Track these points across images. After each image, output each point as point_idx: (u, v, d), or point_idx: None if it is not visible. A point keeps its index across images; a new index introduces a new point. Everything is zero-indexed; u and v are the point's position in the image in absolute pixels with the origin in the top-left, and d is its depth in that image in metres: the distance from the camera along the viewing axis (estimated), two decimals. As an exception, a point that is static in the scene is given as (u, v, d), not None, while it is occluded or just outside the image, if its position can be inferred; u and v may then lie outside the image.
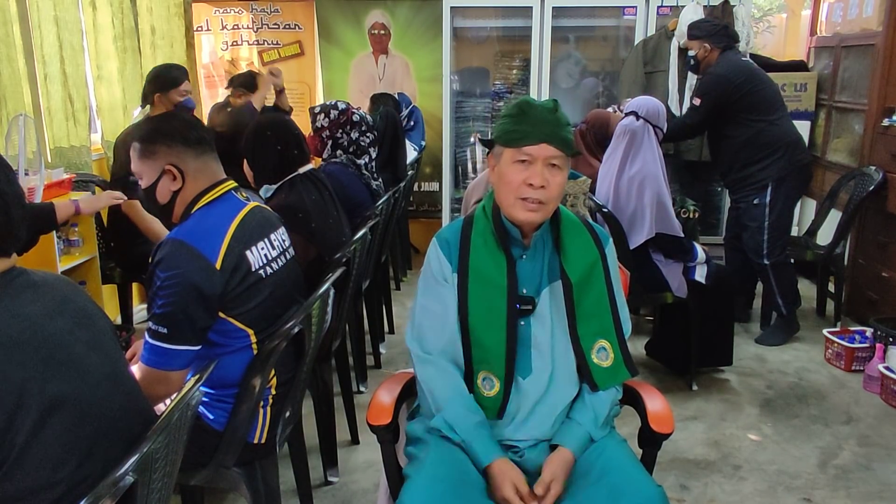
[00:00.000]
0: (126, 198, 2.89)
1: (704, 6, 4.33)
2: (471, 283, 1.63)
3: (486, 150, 1.71)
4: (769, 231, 3.62)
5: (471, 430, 1.55)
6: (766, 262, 3.64)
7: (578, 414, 1.62)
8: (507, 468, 1.51)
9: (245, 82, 4.12)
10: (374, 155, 3.15)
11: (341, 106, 3.04)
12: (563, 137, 1.57)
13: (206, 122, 4.18)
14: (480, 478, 1.52)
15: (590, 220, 1.75)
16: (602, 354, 1.64)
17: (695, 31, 3.71)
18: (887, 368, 3.10)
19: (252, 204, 1.83)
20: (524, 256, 1.66)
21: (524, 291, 1.64)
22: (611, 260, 1.69)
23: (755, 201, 3.63)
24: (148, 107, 3.31)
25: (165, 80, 3.24)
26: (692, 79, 4.30)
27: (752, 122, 3.57)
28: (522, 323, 1.64)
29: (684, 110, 4.39)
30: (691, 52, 3.73)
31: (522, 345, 1.63)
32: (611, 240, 1.73)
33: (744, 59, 3.69)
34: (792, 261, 3.78)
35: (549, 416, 1.62)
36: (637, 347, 3.58)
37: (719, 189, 4.79)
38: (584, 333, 1.63)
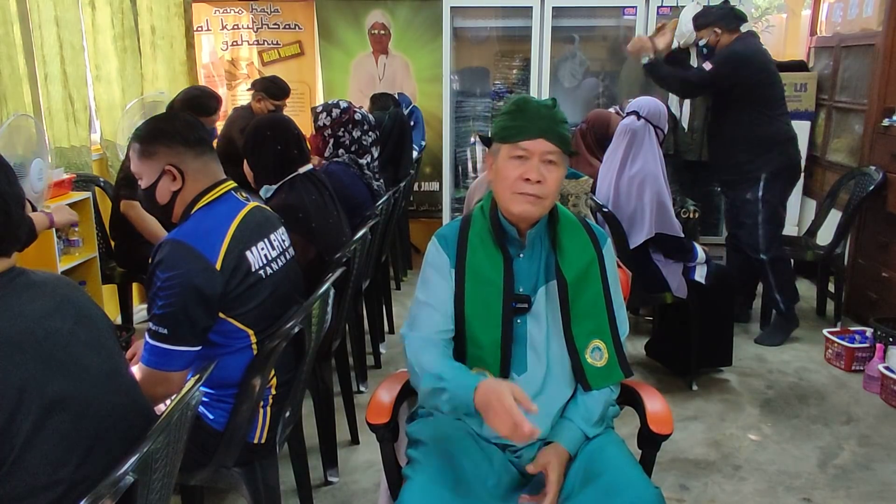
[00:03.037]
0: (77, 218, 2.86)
1: (704, 6, 4.32)
2: (467, 280, 1.63)
3: (486, 148, 1.71)
4: (764, 226, 3.62)
5: (456, 374, 1.49)
6: (763, 256, 3.65)
7: (571, 412, 1.62)
8: (493, 385, 1.40)
9: (267, 87, 4.15)
10: (375, 154, 3.15)
11: (343, 105, 3.04)
12: (559, 133, 1.56)
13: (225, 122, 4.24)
14: (480, 479, 1.52)
15: (589, 221, 1.74)
16: (596, 354, 1.63)
17: (702, 19, 3.68)
18: (887, 368, 3.10)
19: (252, 204, 1.83)
20: (521, 255, 1.65)
21: (520, 290, 1.64)
22: (608, 260, 1.68)
23: (748, 196, 3.63)
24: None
25: (194, 106, 3.25)
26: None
27: (754, 114, 3.55)
28: (518, 321, 1.63)
29: (685, 110, 4.39)
30: (702, 42, 3.69)
31: (518, 343, 1.63)
32: (609, 240, 1.73)
33: (764, 47, 3.66)
34: (790, 258, 3.78)
35: (545, 415, 1.61)
36: (637, 347, 3.58)
37: (719, 189, 4.78)
38: (578, 333, 1.62)
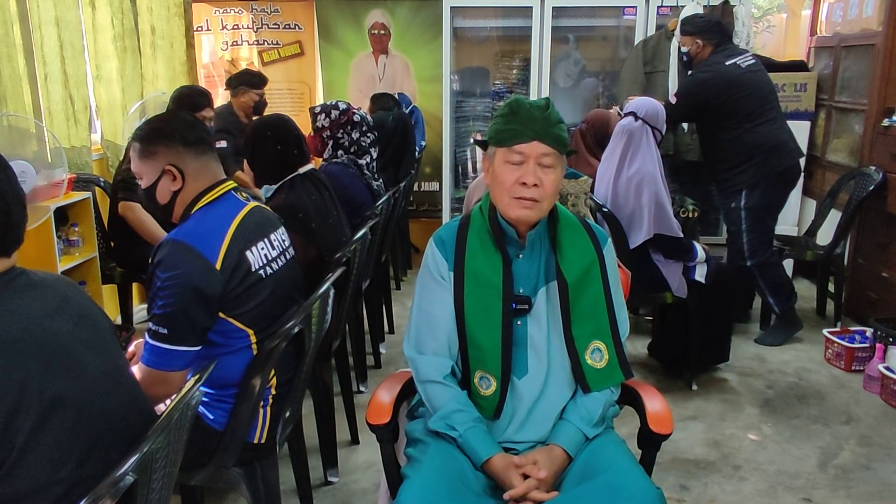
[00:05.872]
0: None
1: (704, 6, 4.32)
2: (466, 282, 1.63)
3: (483, 151, 1.70)
4: (748, 234, 3.62)
5: (468, 426, 1.55)
6: (749, 263, 3.64)
7: (570, 413, 1.62)
8: (508, 461, 1.51)
9: (248, 79, 4.14)
10: (374, 155, 3.15)
11: (342, 106, 3.04)
12: (554, 135, 1.55)
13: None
14: (478, 479, 1.52)
15: (589, 221, 1.74)
16: (596, 356, 1.63)
17: (687, 26, 3.69)
18: (887, 368, 3.10)
19: (252, 204, 1.83)
20: (521, 256, 1.65)
21: (520, 291, 1.64)
22: (609, 261, 1.68)
23: (732, 205, 3.66)
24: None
25: (183, 103, 3.27)
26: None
27: (730, 128, 3.56)
28: (519, 323, 1.63)
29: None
30: (684, 49, 3.71)
31: (519, 345, 1.63)
32: (609, 240, 1.72)
33: (728, 62, 3.57)
34: (778, 258, 3.78)
35: (546, 417, 1.62)
36: (637, 347, 3.58)
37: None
38: (578, 334, 1.62)
